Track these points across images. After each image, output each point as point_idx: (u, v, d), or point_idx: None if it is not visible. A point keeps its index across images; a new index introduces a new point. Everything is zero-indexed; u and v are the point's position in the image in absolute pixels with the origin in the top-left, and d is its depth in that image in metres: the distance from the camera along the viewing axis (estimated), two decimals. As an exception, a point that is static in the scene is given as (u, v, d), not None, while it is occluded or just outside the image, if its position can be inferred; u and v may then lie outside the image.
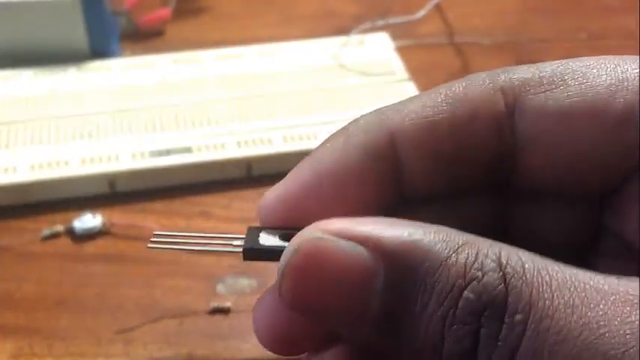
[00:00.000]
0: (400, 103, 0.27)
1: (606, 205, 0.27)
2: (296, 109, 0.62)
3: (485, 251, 0.22)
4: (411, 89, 0.63)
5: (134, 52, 0.70)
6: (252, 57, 0.68)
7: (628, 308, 0.21)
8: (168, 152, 0.57)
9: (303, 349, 0.27)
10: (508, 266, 0.22)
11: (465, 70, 0.70)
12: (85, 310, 0.49)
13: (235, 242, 0.27)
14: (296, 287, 0.23)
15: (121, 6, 0.72)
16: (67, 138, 0.59)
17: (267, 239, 0.27)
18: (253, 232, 0.27)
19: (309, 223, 0.25)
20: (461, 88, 0.27)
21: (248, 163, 0.58)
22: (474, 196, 0.28)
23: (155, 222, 0.54)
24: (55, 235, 0.54)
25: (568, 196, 0.27)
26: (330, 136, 0.27)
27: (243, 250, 0.26)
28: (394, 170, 0.27)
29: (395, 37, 0.70)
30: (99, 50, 0.67)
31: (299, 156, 0.54)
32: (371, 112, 0.28)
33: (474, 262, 0.22)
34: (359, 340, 0.24)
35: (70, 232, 0.54)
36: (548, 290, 0.21)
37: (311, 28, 0.74)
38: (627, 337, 0.20)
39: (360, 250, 0.23)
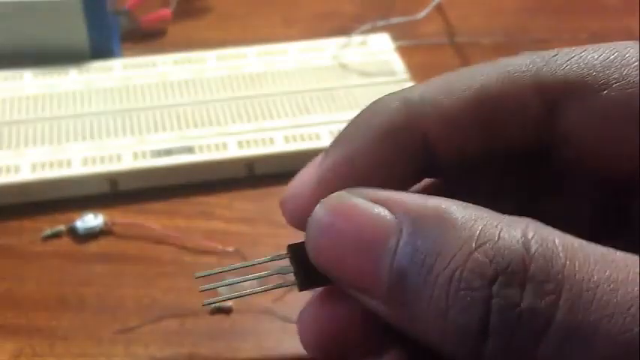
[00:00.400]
0: (425, 82, 0.27)
1: (635, 192, 0.26)
2: (297, 109, 0.62)
3: (510, 222, 0.21)
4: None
5: (135, 52, 0.70)
6: (253, 57, 0.68)
7: None
8: (169, 152, 0.58)
9: (351, 357, 0.26)
10: (536, 235, 0.20)
11: (465, 71, 0.69)
12: (86, 309, 0.49)
13: (283, 269, 0.26)
14: (317, 241, 0.24)
15: (122, 6, 0.72)
16: (69, 138, 0.59)
17: None
18: (298, 253, 0.25)
19: None
20: (496, 86, 0.26)
21: (249, 163, 0.58)
22: (501, 178, 0.27)
23: (156, 222, 0.54)
24: (56, 235, 0.54)
25: (598, 182, 0.27)
26: (353, 119, 0.27)
27: (299, 285, 0.26)
28: (421, 146, 0.26)
29: (396, 37, 0.70)
30: (100, 50, 0.67)
31: (300, 156, 0.54)
32: (394, 92, 0.27)
33: (492, 228, 0.21)
34: (376, 312, 0.23)
35: (72, 232, 0.54)
36: (587, 264, 0.20)
37: (312, 29, 0.74)
38: None
39: (381, 209, 0.22)
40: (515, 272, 0.20)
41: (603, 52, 0.26)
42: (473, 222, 0.21)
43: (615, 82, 0.25)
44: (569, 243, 0.20)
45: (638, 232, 0.27)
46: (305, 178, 0.26)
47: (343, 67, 0.67)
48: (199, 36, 0.74)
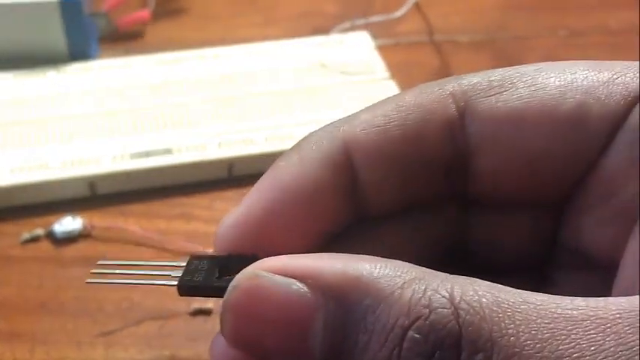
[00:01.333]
0: (351, 115, 0.27)
1: (561, 215, 0.27)
2: (277, 109, 0.61)
3: (435, 286, 0.20)
4: (391, 88, 0.63)
5: (113, 54, 0.69)
6: (232, 57, 0.68)
7: (601, 335, 0.19)
8: (148, 154, 0.57)
9: None
10: (462, 302, 0.20)
11: (444, 68, 0.70)
12: (65, 313, 0.49)
13: (174, 273, 0.27)
14: (235, 326, 0.22)
15: (99, 7, 0.72)
16: (47, 141, 0.58)
17: (207, 272, 0.26)
18: (194, 263, 0.26)
19: (270, 247, 0.25)
20: (411, 96, 0.26)
21: (229, 164, 0.58)
22: (433, 211, 0.28)
23: (136, 224, 0.54)
24: (35, 239, 0.53)
25: (523, 205, 0.27)
26: (283, 155, 0.27)
27: (178, 286, 0.26)
28: (351, 182, 0.26)
29: (375, 35, 0.70)
30: (78, 52, 0.67)
31: (280, 156, 0.53)
32: (322, 127, 0.27)
33: (421, 299, 0.20)
34: None
35: (51, 236, 0.53)
36: (512, 325, 0.20)
37: (291, 28, 0.74)
38: None
39: (298, 286, 0.21)
40: (450, 347, 0.20)
41: (504, 70, 0.27)
42: (400, 291, 0.21)
43: (520, 82, 0.26)
44: (494, 302, 0.20)
45: (569, 249, 0.27)
46: (234, 218, 0.26)
47: (323, 66, 0.66)
48: (178, 37, 0.73)
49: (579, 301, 0.20)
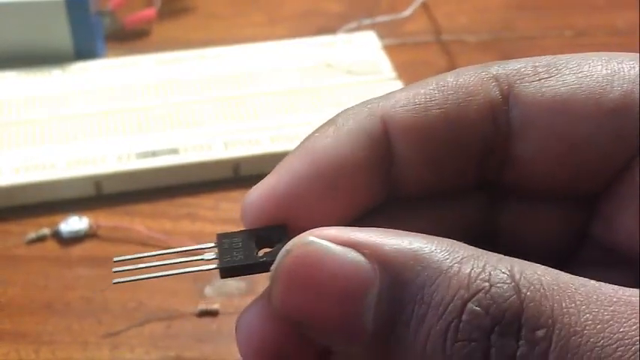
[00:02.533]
0: (389, 93, 0.26)
1: (594, 208, 0.27)
2: (283, 109, 0.61)
3: (494, 263, 0.20)
4: (398, 88, 0.63)
5: (119, 53, 0.69)
6: (238, 57, 0.67)
7: None
8: (154, 154, 0.57)
9: None
10: (522, 279, 0.20)
11: (451, 68, 0.69)
12: (71, 314, 0.49)
13: (207, 255, 0.25)
14: (286, 293, 0.22)
15: (105, 6, 0.72)
16: (53, 140, 0.58)
17: (245, 249, 0.25)
18: (225, 242, 0.25)
19: (300, 219, 0.24)
20: (453, 78, 0.26)
21: (235, 164, 0.57)
22: (463, 197, 0.27)
23: (141, 224, 0.54)
24: (41, 239, 0.53)
25: (557, 195, 0.27)
26: (319, 127, 0.26)
27: (220, 269, 0.25)
28: (386, 159, 0.26)
29: (381, 35, 0.70)
30: (84, 51, 0.67)
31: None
32: (359, 103, 0.26)
33: (481, 273, 0.20)
34: (352, 357, 0.22)
35: (57, 235, 0.53)
36: (573, 305, 0.20)
37: (297, 28, 0.74)
38: None
39: (356, 256, 0.21)
40: (510, 322, 0.20)
41: (549, 57, 0.26)
42: (459, 265, 0.21)
43: (567, 69, 0.25)
44: (554, 282, 0.20)
45: (597, 243, 0.27)
46: (263, 188, 0.26)
47: (329, 66, 0.66)
48: (184, 36, 0.73)
49: (633, 290, 0.20)
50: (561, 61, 0.26)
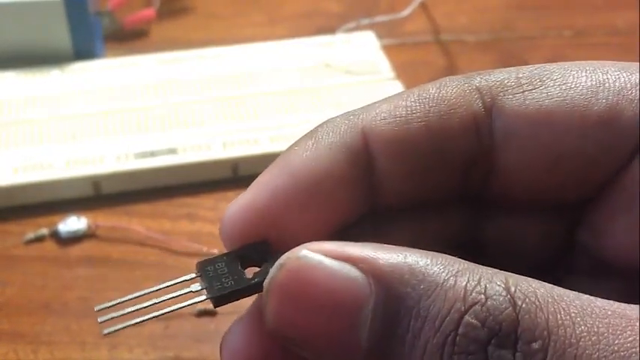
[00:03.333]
0: (370, 105, 0.26)
1: (580, 218, 0.27)
2: (282, 109, 0.61)
3: (489, 277, 0.20)
4: (397, 88, 0.63)
5: (118, 53, 0.69)
6: (237, 57, 0.67)
7: None
8: (153, 154, 0.57)
9: None
10: (517, 291, 0.20)
11: (450, 68, 0.69)
12: (69, 314, 0.49)
13: (194, 287, 0.25)
14: (280, 308, 0.22)
15: (104, 6, 0.72)
16: (51, 140, 0.58)
17: (232, 273, 0.25)
18: (209, 269, 0.25)
19: (281, 234, 0.24)
20: (435, 89, 0.26)
21: (234, 164, 0.57)
22: (447, 209, 0.27)
23: (140, 224, 0.54)
24: (39, 239, 0.53)
25: (542, 206, 0.27)
26: (298, 140, 0.26)
27: (212, 299, 0.25)
28: (366, 172, 0.25)
29: (380, 35, 0.70)
30: (82, 51, 0.67)
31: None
32: (340, 115, 0.26)
33: (476, 286, 0.20)
34: None
35: (55, 236, 0.53)
36: (568, 317, 0.20)
37: (296, 28, 0.74)
38: None
39: (351, 270, 0.21)
40: (506, 334, 0.20)
41: (532, 67, 0.26)
42: (455, 278, 0.20)
43: (550, 80, 0.25)
44: (548, 295, 0.20)
45: (584, 253, 0.27)
46: (242, 203, 0.25)
47: (328, 66, 0.66)
48: (183, 36, 0.73)
49: (627, 305, 0.20)
50: (545, 72, 0.26)
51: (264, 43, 0.69)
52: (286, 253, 0.22)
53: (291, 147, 0.26)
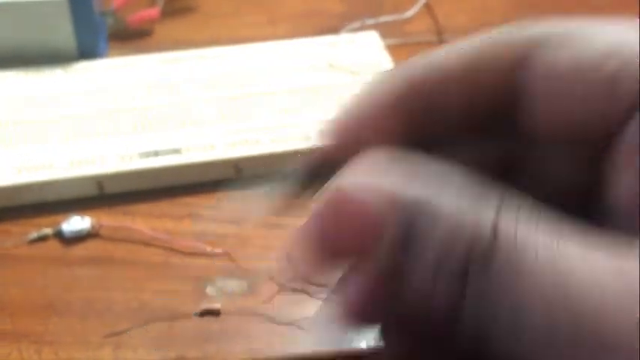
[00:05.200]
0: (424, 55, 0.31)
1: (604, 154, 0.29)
2: (285, 109, 0.61)
3: (480, 209, 0.24)
4: (400, 88, 0.63)
5: (122, 53, 0.69)
6: (240, 57, 0.67)
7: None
8: (156, 154, 0.57)
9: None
10: (502, 221, 0.23)
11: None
12: (73, 314, 0.49)
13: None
14: (321, 227, 0.26)
15: (108, 6, 0.72)
16: (55, 140, 0.58)
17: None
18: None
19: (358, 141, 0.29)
20: (476, 42, 0.30)
21: (237, 164, 0.58)
22: (485, 140, 0.30)
23: (144, 224, 0.54)
24: (42, 238, 0.53)
25: (570, 139, 0.29)
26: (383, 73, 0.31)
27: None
28: (430, 104, 0.30)
29: (384, 35, 0.70)
30: (86, 50, 0.67)
31: (288, 156, 0.55)
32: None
33: (471, 219, 0.23)
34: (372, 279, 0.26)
35: (58, 235, 0.53)
36: (534, 253, 0.22)
37: (299, 28, 0.74)
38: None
39: (373, 198, 0.25)
40: (484, 257, 0.23)
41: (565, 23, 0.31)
42: (457, 214, 0.24)
43: (576, 41, 0.30)
44: (533, 227, 0.23)
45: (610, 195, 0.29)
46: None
47: (331, 65, 0.66)
48: (186, 36, 0.73)
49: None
50: (574, 30, 0.31)
51: (268, 42, 0.69)
52: (327, 184, 0.26)
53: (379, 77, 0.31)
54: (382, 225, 0.25)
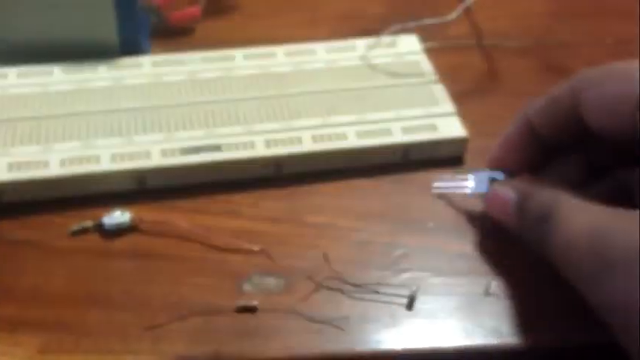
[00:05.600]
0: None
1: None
2: (325, 110, 0.62)
3: (544, 193, 0.48)
4: (439, 91, 0.64)
5: (164, 49, 0.70)
6: (281, 56, 0.68)
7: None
8: (197, 150, 0.58)
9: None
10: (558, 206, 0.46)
11: (491, 72, 0.70)
12: (112, 306, 0.49)
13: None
14: (488, 206, 0.54)
15: (151, 2, 0.72)
16: (98, 134, 0.59)
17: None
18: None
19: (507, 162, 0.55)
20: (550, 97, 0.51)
21: (277, 162, 0.58)
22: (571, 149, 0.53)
23: (183, 219, 0.54)
24: (83, 231, 0.54)
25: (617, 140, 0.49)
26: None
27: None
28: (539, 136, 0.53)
29: (424, 39, 0.70)
30: (129, 47, 0.68)
31: (327, 156, 0.56)
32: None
33: (540, 201, 0.48)
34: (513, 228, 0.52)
35: (99, 228, 0.54)
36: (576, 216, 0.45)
37: (339, 29, 0.74)
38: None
39: (512, 195, 0.51)
40: (546, 219, 0.47)
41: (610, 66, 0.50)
42: (531, 201, 0.49)
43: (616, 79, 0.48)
44: (575, 204, 0.47)
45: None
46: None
47: (371, 67, 0.67)
48: (227, 34, 0.74)
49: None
50: (610, 71, 0.48)
51: (308, 43, 0.70)
52: (495, 184, 0.54)
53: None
54: (512, 206, 0.50)
